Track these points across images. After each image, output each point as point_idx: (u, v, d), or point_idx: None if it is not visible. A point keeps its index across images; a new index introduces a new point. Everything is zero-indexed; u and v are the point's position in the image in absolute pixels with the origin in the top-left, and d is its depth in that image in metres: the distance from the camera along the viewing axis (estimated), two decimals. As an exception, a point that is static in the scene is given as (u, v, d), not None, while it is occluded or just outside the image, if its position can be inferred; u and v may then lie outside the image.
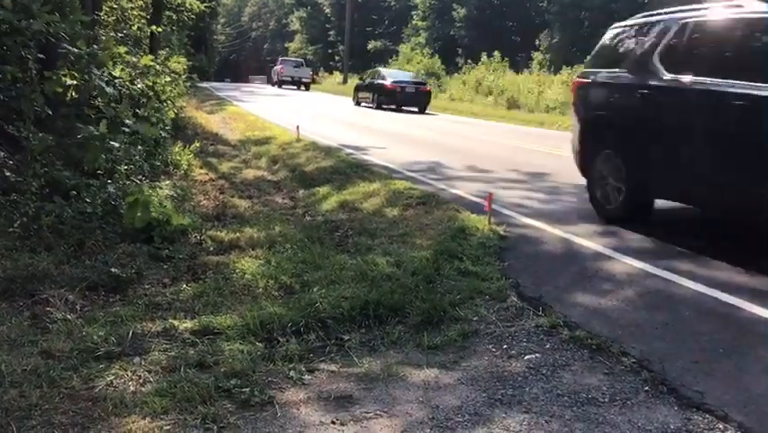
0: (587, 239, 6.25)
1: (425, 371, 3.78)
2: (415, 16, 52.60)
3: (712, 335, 4.12)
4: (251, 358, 3.80)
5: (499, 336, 4.23)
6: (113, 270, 5.11)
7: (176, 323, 4.25)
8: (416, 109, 26.31)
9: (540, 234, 6.52)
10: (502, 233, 6.36)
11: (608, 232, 6.54)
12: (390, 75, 28.67)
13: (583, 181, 7.55)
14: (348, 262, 5.53)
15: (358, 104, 29.19)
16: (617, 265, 5.46)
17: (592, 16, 39.09)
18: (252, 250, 6.00)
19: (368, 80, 29.33)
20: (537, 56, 38.99)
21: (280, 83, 44.97)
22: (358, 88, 30.07)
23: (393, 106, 26.66)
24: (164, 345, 3.94)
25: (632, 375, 3.69)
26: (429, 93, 27.96)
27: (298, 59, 51.04)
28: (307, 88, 44.02)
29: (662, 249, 6.00)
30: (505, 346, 4.09)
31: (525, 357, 3.93)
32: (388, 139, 15.17)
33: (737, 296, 4.69)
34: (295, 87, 43.90)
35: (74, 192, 6.36)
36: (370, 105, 27.97)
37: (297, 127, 14.42)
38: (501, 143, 15.19)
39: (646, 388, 3.54)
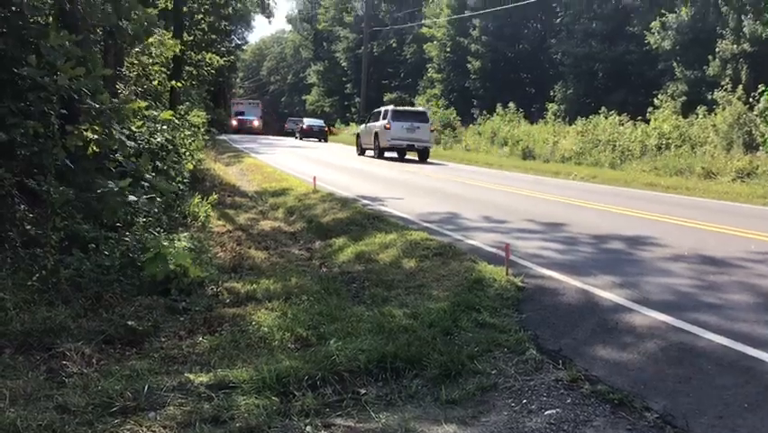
0: (606, 290, 6.18)
1: (444, 426, 3.71)
2: (430, 69, 53.25)
3: (736, 389, 4.03)
4: (266, 413, 3.76)
5: (519, 390, 4.16)
6: (129, 323, 5.11)
7: (191, 377, 4.22)
8: (318, 139, 47.10)
9: (558, 285, 6.45)
10: (520, 284, 6.31)
11: (628, 283, 6.47)
12: (307, 121, 52.37)
13: (600, 231, 7.50)
14: (365, 314, 5.51)
15: (297, 138, 49.42)
16: (636, 317, 5.39)
17: (606, 68, 39.39)
18: (269, 302, 5.99)
19: (299, 125, 52.04)
20: (552, 107, 39.23)
21: (286, 133, 62.08)
22: (296, 130, 52.28)
23: (314, 139, 47.21)
24: (179, 400, 3.91)
25: (655, 431, 3.61)
26: (326, 131, 48.98)
27: (298, 119, 66.21)
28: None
29: (682, 301, 5.93)
30: (524, 401, 4.02)
31: (546, 412, 3.86)
32: (404, 190, 15.22)
33: (761, 349, 4.59)
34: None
35: (93, 245, 6.40)
36: (297, 137, 49.16)
37: (314, 178, 14.53)
38: (517, 193, 15.20)
39: (670, 444, 3.46)
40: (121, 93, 10.28)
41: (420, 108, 29.64)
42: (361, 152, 29.39)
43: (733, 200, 14.84)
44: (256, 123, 55.40)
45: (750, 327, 5.17)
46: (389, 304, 5.88)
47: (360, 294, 6.50)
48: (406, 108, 29.39)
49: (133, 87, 11.53)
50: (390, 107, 27.78)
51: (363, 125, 30.04)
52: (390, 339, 4.77)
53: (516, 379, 4.29)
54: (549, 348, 4.81)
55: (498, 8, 42.41)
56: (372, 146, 27.44)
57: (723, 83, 24.85)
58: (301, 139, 48.14)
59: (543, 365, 4.50)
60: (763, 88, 20.80)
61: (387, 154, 27.10)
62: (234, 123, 52.74)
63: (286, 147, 35.35)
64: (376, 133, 26.82)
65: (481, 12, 45.39)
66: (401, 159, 27.01)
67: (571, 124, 30.15)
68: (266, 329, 5.17)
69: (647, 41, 33.91)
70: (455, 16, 48.24)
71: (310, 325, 5.26)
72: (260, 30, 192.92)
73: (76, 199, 6.48)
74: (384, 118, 26.52)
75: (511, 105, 35.26)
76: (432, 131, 27.91)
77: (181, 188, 10.30)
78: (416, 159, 26.45)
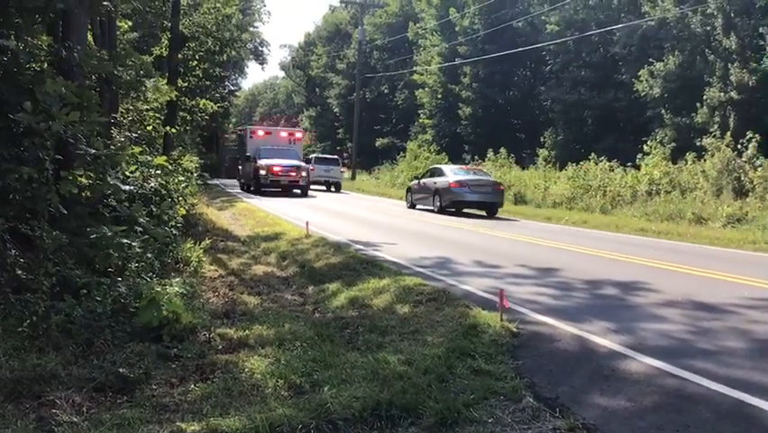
0: (601, 337, 6.16)
1: (440, 476, 3.64)
2: (421, 114, 53.71)
3: (736, 437, 3.99)
4: (260, 463, 3.68)
5: (516, 438, 4.10)
6: (120, 370, 5.04)
7: (183, 426, 4.15)
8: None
9: (553, 331, 6.43)
10: (514, 330, 6.28)
11: (623, 329, 6.45)
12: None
13: (594, 277, 7.49)
14: (359, 360, 5.45)
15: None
16: (633, 364, 5.36)
17: (595, 115, 39.85)
18: (262, 348, 5.92)
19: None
20: (542, 152, 39.57)
21: None
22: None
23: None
24: (171, 450, 3.84)
25: (655, 481, 3.55)
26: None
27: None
28: None
29: (677, 347, 5.91)
30: (522, 450, 3.96)
31: (544, 462, 3.80)
32: (397, 235, 15.23)
33: (758, 396, 4.57)
34: None
35: (84, 291, 6.35)
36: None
37: (307, 223, 14.53)
38: (508, 238, 15.23)
39: (671, 495, 3.40)
40: (115, 138, 10.33)
41: (334, 156, 42.50)
42: None
43: (724, 246, 14.89)
44: (304, 173, 30.29)
45: (746, 373, 5.15)
46: (384, 350, 5.82)
47: (354, 340, 6.43)
48: (326, 156, 42.65)
49: (128, 133, 11.58)
50: (315, 155, 41.09)
51: None
52: (385, 386, 4.72)
53: (514, 428, 4.24)
54: (546, 396, 4.76)
55: (489, 56, 43.05)
56: None
57: (711, 130, 25.19)
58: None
59: (540, 413, 4.44)
60: (751, 135, 21.09)
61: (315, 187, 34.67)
62: (262, 172, 29.71)
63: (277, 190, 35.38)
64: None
65: (472, 59, 46.06)
66: (327, 190, 36.90)
67: (561, 170, 30.37)
68: (259, 376, 5.11)
69: (636, 88, 34.36)
70: (446, 64, 48.91)
71: (304, 372, 5.19)
72: (254, 76, 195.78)
73: (68, 245, 6.46)
74: (309, 162, 36.11)
75: (502, 150, 35.55)
76: (342, 171, 40.83)
77: (174, 233, 10.27)
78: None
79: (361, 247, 12.41)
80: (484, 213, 22.79)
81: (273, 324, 6.78)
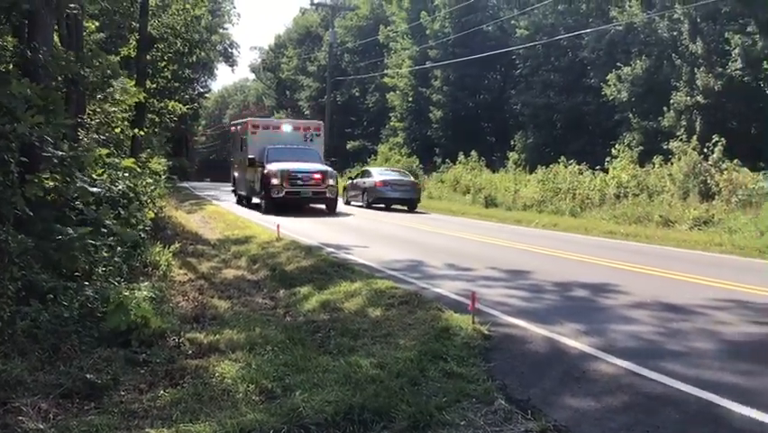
0: (572, 339, 6.20)
1: (413, 480, 3.63)
2: (392, 118, 53.73)
3: (704, 437, 4.04)
4: (231, 469, 3.64)
5: (488, 441, 4.11)
6: (88, 376, 4.96)
7: (152, 432, 4.09)
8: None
9: (524, 333, 6.46)
10: (486, 332, 6.30)
11: (593, 331, 6.50)
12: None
13: (564, 279, 7.56)
14: (331, 364, 5.43)
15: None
16: (603, 365, 5.40)
17: (564, 118, 40.19)
18: (232, 352, 5.87)
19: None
20: (513, 155, 39.84)
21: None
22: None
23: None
24: (140, 457, 3.77)
25: (626, 482, 3.57)
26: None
27: None
28: None
29: (647, 348, 5.97)
30: (494, 453, 3.96)
31: (516, 464, 3.81)
32: (369, 238, 15.22)
33: (727, 397, 4.63)
34: None
35: (51, 295, 6.24)
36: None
37: (278, 226, 14.45)
38: (480, 241, 15.29)
39: (642, 495, 3.43)
40: (82, 140, 10.17)
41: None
42: None
43: (691, 248, 15.10)
44: (331, 181, 22.34)
45: (714, 374, 5.22)
46: (356, 354, 5.80)
47: (325, 344, 6.40)
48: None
49: (95, 135, 11.42)
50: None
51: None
52: (357, 390, 4.70)
53: (486, 430, 4.24)
54: (518, 398, 4.78)
55: (459, 60, 43.23)
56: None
57: (678, 133, 25.56)
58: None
59: (512, 416, 4.45)
60: (717, 139, 21.44)
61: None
62: (274, 181, 21.38)
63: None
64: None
65: (443, 63, 46.22)
66: None
67: (531, 173, 30.59)
68: (229, 381, 5.06)
69: (604, 92, 34.73)
70: (417, 67, 49.02)
71: (275, 376, 5.16)
72: (223, 78, 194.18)
73: (34, 248, 6.34)
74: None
75: (473, 153, 35.72)
76: None
77: (142, 236, 10.14)
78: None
79: (333, 250, 12.38)
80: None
81: (244, 328, 6.72)
